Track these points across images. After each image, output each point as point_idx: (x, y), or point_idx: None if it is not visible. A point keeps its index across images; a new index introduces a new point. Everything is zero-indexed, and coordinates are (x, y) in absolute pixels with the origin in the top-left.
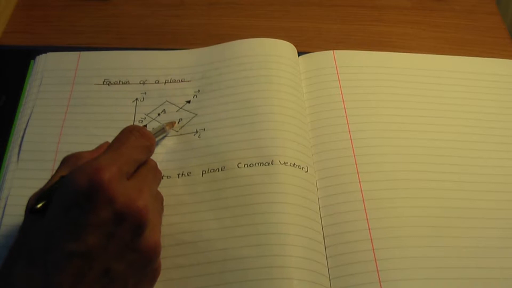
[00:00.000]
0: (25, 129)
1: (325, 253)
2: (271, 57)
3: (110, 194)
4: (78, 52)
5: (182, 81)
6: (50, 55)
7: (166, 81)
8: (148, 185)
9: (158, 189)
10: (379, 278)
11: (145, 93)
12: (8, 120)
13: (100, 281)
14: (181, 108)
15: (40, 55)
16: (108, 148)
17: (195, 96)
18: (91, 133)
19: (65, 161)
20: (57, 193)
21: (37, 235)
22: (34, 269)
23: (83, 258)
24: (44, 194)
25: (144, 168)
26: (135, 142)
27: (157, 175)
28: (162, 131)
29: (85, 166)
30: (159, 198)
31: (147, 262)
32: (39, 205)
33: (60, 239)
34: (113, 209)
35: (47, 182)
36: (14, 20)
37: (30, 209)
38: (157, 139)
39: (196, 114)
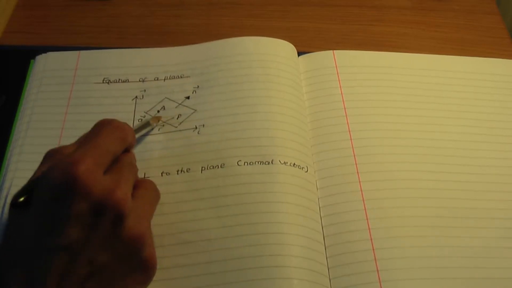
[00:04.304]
0: (25, 129)
1: (325, 253)
2: (271, 57)
3: (86, 186)
4: (77, 51)
5: (181, 77)
6: (50, 55)
7: (166, 78)
8: (125, 177)
9: (157, 186)
10: (379, 278)
11: (145, 90)
12: (8, 120)
13: (86, 273)
14: (180, 104)
15: (40, 55)
16: (82, 142)
17: (194, 92)
18: None
19: (47, 156)
20: (35, 191)
21: (20, 233)
22: (19, 268)
23: (66, 252)
24: (24, 188)
25: (119, 163)
26: (108, 134)
27: (133, 170)
28: (147, 125)
29: (60, 161)
30: (149, 187)
31: (133, 252)
32: (20, 199)
33: (41, 236)
34: (91, 200)
35: (30, 178)
36: (14, 20)
37: (12, 203)
38: (141, 132)
39: (195, 110)
